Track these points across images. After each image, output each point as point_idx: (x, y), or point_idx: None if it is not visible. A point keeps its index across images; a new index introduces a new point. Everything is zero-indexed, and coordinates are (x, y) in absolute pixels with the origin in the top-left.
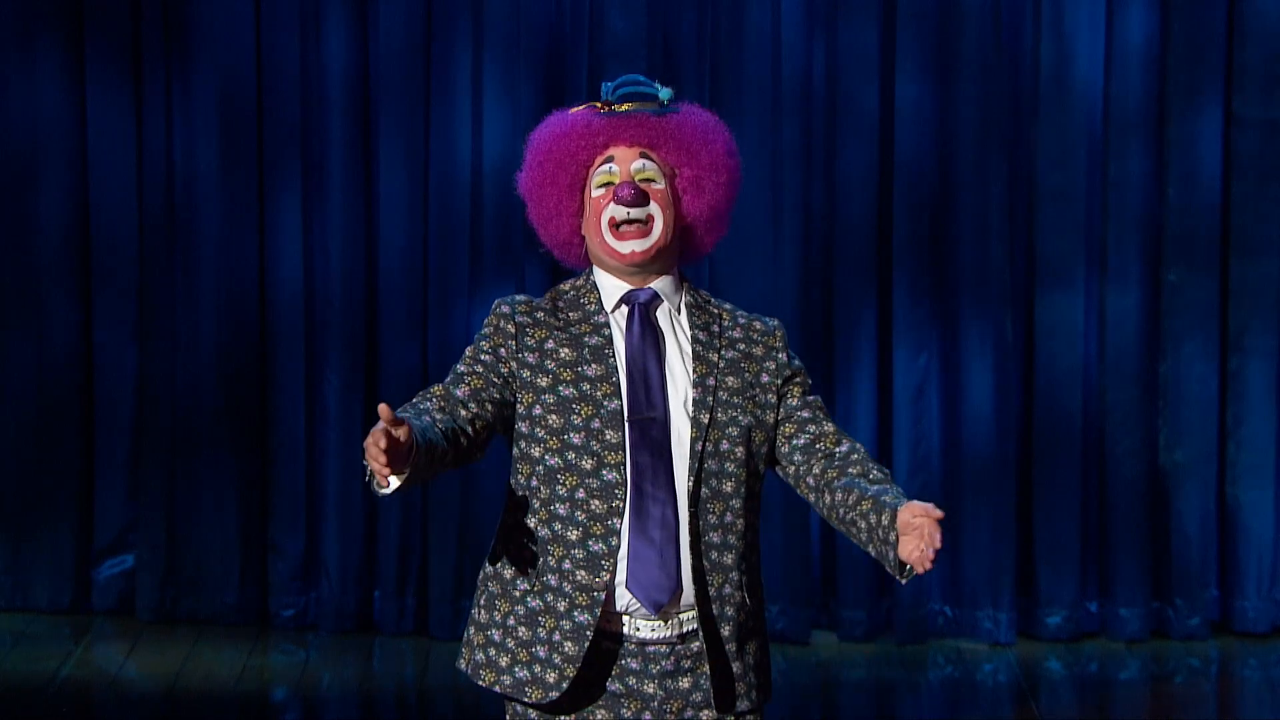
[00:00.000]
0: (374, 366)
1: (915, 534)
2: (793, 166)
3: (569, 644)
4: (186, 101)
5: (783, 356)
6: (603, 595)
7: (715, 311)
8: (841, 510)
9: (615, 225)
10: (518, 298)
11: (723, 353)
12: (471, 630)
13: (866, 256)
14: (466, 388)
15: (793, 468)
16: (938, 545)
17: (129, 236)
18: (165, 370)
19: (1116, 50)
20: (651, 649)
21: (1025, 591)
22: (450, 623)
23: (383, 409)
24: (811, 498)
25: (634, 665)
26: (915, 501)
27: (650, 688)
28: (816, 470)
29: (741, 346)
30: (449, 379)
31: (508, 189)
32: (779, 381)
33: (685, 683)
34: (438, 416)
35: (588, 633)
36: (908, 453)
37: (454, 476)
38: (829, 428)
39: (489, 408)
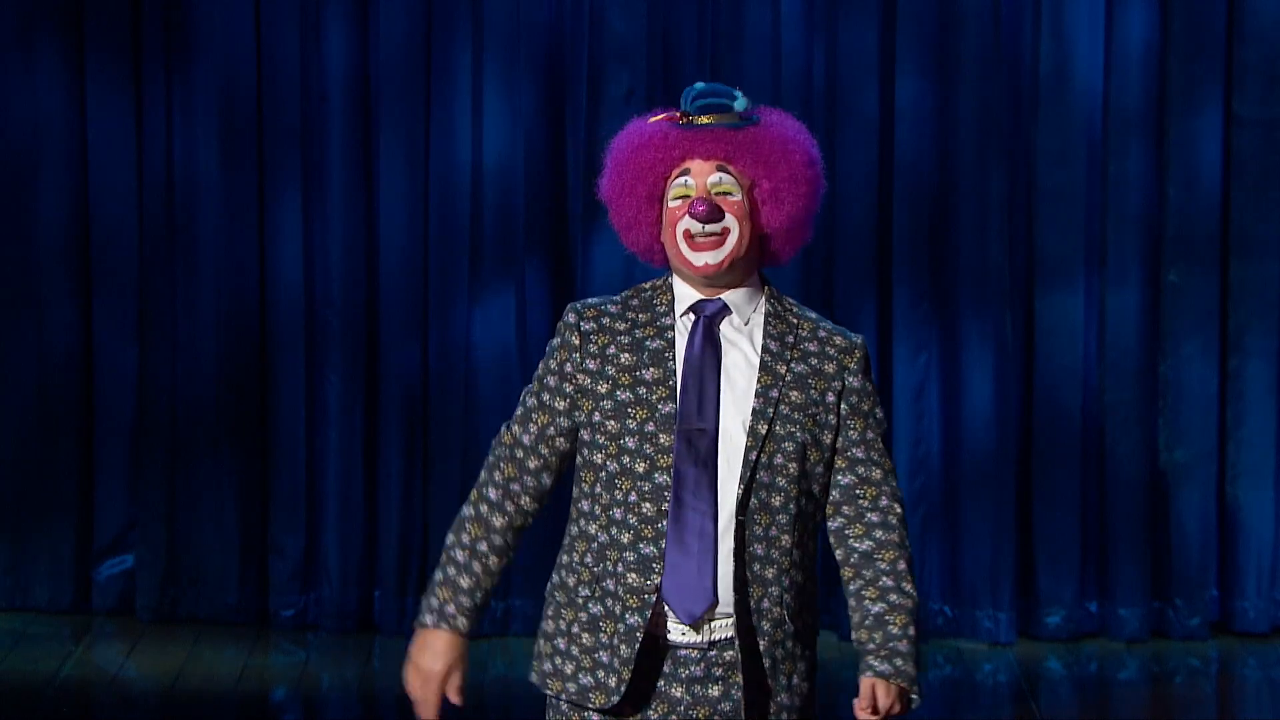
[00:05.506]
0: (374, 366)
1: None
2: None
3: (624, 647)
4: (186, 101)
5: (854, 380)
6: (653, 598)
7: (794, 321)
8: (848, 597)
9: (690, 237)
10: (588, 302)
11: (792, 365)
12: (541, 642)
13: (866, 256)
14: (534, 431)
15: (829, 506)
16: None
17: (129, 236)
18: (165, 370)
19: (1116, 50)
20: (682, 653)
21: (1025, 591)
22: None
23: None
24: (830, 541)
25: (664, 668)
26: (879, 689)
27: (678, 691)
28: (840, 542)
29: (814, 361)
30: (520, 413)
31: (508, 189)
32: (843, 405)
33: (715, 691)
34: (496, 541)
35: (638, 634)
36: (908, 453)
37: (454, 477)
38: (876, 474)
39: (558, 442)
